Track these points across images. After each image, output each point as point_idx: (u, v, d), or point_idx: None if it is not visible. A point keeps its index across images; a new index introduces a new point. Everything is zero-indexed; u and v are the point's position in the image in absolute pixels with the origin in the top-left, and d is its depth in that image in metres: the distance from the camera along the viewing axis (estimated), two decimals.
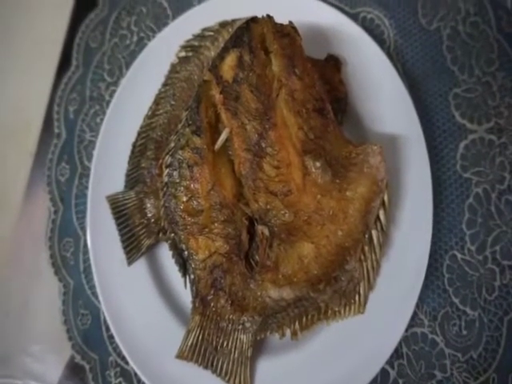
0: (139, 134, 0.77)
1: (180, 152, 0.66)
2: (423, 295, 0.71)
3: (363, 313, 0.66)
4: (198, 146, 0.65)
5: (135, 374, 0.77)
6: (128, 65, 0.87)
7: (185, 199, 0.66)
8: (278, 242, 0.64)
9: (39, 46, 0.95)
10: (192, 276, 0.68)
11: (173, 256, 0.70)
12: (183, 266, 0.69)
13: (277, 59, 0.64)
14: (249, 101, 0.63)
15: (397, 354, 0.71)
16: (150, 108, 0.77)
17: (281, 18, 0.67)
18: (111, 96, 0.86)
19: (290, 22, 0.67)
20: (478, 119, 0.75)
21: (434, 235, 0.69)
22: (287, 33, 0.66)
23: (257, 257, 0.66)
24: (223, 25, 0.74)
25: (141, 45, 0.88)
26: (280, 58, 0.64)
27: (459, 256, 0.72)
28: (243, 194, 0.66)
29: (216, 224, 0.66)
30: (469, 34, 0.78)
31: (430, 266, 0.69)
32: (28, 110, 0.92)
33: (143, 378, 0.71)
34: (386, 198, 0.64)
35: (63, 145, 0.88)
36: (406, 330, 0.69)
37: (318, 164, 0.62)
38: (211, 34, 0.74)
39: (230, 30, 0.72)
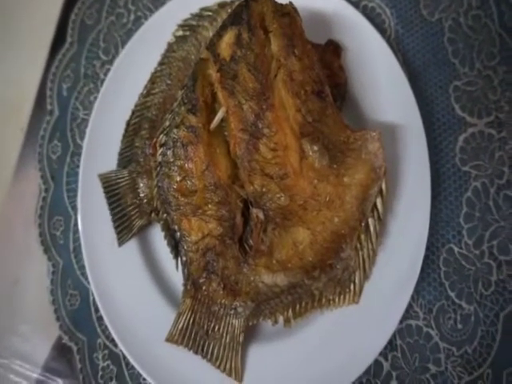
0: (133, 112, 0.74)
1: (175, 131, 0.63)
2: (419, 288, 0.69)
3: (358, 302, 0.63)
4: (193, 124, 0.62)
5: (124, 357, 0.74)
6: (124, 44, 0.83)
7: (178, 179, 0.63)
8: (272, 226, 0.62)
9: (34, 22, 0.91)
10: (184, 258, 0.65)
11: (165, 237, 0.66)
12: (175, 247, 0.66)
13: (276, 39, 0.61)
14: (246, 80, 0.60)
15: (391, 345, 0.68)
16: (146, 87, 0.74)
17: (282, 1, 0.63)
18: (106, 75, 0.82)
19: (291, 2, 0.63)
20: (478, 113, 0.73)
21: (431, 227, 0.66)
22: (287, 12, 0.62)
23: (251, 241, 0.63)
24: (222, 5, 0.71)
25: (137, 24, 0.84)
26: (279, 38, 0.61)
27: (456, 249, 0.70)
28: (238, 175, 0.63)
29: (210, 205, 0.63)
30: (470, 26, 0.75)
31: (426, 258, 0.67)
32: (21, 85, 0.89)
33: (132, 361, 0.67)
34: (383, 185, 0.61)
35: (55, 122, 0.84)
36: (401, 322, 0.68)
37: (315, 147, 0.59)
38: (210, 13, 0.71)
39: (229, 10, 0.68)
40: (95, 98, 0.81)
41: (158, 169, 0.65)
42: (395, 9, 0.78)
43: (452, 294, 0.69)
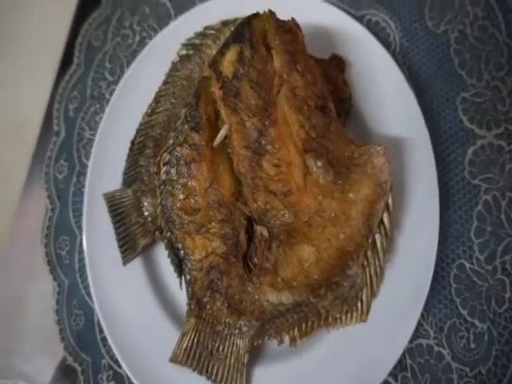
0: (138, 131, 0.72)
1: (178, 149, 0.61)
2: (429, 305, 0.66)
3: (365, 321, 0.60)
4: (197, 142, 0.60)
5: (128, 378, 0.72)
6: (129, 64, 0.80)
7: (182, 197, 0.62)
8: (277, 243, 0.59)
9: (42, 44, 0.90)
10: (188, 276, 0.63)
11: (169, 256, 0.64)
12: (179, 265, 0.64)
13: (278, 55, 0.59)
14: (249, 97, 0.58)
15: (400, 365, 0.65)
16: (150, 106, 0.72)
17: (284, 18, 0.61)
18: (111, 95, 0.80)
19: (293, 19, 0.61)
20: (487, 124, 0.70)
21: (440, 243, 0.64)
22: (289, 29, 0.61)
23: (255, 259, 0.61)
24: (225, 23, 0.70)
25: (143, 44, 0.83)
26: (281, 54, 0.59)
27: (467, 265, 0.67)
28: (242, 192, 0.61)
29: (213, 223, 0.61)
30: (477, 37, 0.73)
31: (436, 274, 0.64)
32: (28, 107, 0.88)
33: (136, 382, 0.65)
34: (390, 200, 0.58)
35: (62, 142, 0.83)
36: (411, 341, 0.64)
37: (319, 163, 0.58)
38: (213, 32, 0.70)
39: (232, 28, 0.67)
40: (101, 118, 0.79)
41: (162, 187, 0.63)
42: (400, 22, 0.76)
43: (464, 312, 0.65)
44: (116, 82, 0.83)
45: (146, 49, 0.77)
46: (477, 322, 0.64)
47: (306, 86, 0.59)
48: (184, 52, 0.71)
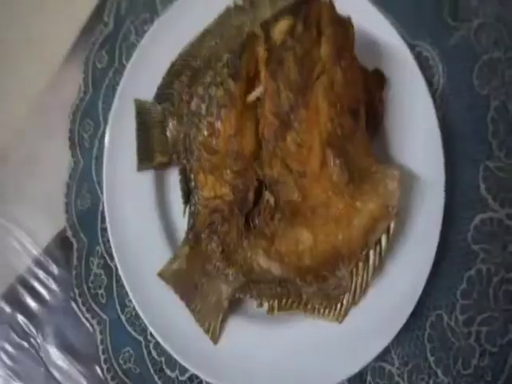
0: (180, 55, 0.74)
1: (213, 88, 0.65)
2: (401, 337, 0.67)
3: (340, 322, 0.64)
4: (232, 89, 0.64)
5: (116, 273, 0.77)
6: None
7: (206, 133, 0.65)
8: (279, 216, 0.63)
9: None
10: (192, 208, 0.68)
11: (180, 181, 0.69)
12: (187, 194, 0.69)
13: (327, 44, 0.61)
14: (290, 70, 0.61)
15: (361, 379, 0.69)
16: (196, 37, 0.74)
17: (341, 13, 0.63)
18: (162, 10, 0.83)
19: (349, 17, 0.63)
20: (502, 201, 0.70)
21: (427, 288, 0.65)
22: (343, 24, 0.63)
23: (257, 221, 0.65)
24: None
25: None
26: (330, 44, 0.61)
27: (445, 319, 0.69)
28: (260, 155, 0.64)
29: (228, 171, 0.65)
30: None
31: (415, 314, 0.65)
32: None
33: (123, 279, 0.71)
34: (392, 225, 0.61)
35: (108, 34, 0.86)
36: (376, 361, 0.68)
37: (337, 161, 0.60)
38: None
39: None
40: (149, 28, 0.80)
41: (190, 116, 0.67)
42: (448, 67, 0.74)
43: (431, 359, 0.68)
44: (169, 0, 0.82)
45: None
46: (439, 373, 0.68)
47: (345, 85, 0.61)
48: (241, 3, 0.73)
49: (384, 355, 0.68)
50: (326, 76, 0.61)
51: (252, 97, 0.64)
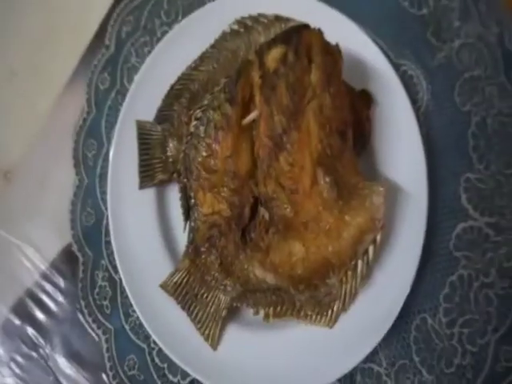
0: (179, 79, 0.78)
1: (211, 111, 0.68)
2: (388, 339, 0.71)
3: (331, 327, 0.67)
4: (228, 113, 0.67)
5: (120, 285, 0.81)
6: (184, 13, 0.87)
7: (204, 154, 0.69)
8: (274, 230, 0.67)
9: None
10: (192, 224, 0.71)
11: (180, 199, 0.72)
12: (187, 211, 0.72)
13: (317, 71, 0.65)
14: (282, 95, 0.65)
15: (351, 379, 0.73)
16: (195, 61, 0.77)
17: (330, 39, 0.67)
18: (162, 34, 0.86)
19: (337, 44, 0.67)
20: (482, 210, 0.74)
21: (412, 292, 0.69)
22: (332, 52, 0.67)
23: (252, 234, 0.69)
24: (278, 18, 0.73)
25: (200, 2, 0.87)
26: (320, 72, 0.65)
27: (429, 321, 0.73)
28: (255, 174, 0.68)
29: (225, 189, 0.68)
30: (495, 130, 0.76)
31: (401, 317, 0.69)
32: (90, 11, 0.93)
33: (127, 291, 0.74)
34: (378, 237, 0.64)
35: (109, 57, 0.89)
36: (365, 362, 0.71)
37: (327, 179, 0.64)
38: (265, 21, 0.74)
39: (283, 25, 0.72)
40: (148, 51, 0.86)
41: (189, 138, 0.71)
42: (432, 85, 0.79)
43: (416, 359, 0.72)
44: (168, 24, 0.88)
45: (201, 9, 0.82)
46: (424, 372, 0.71)
47: (333, 109, 0.66)
48: (236, 27, 0.76)
49: (372, 356, 0.72)
50: (316, 101, 0.65)
51: (247, 120, 0.68)
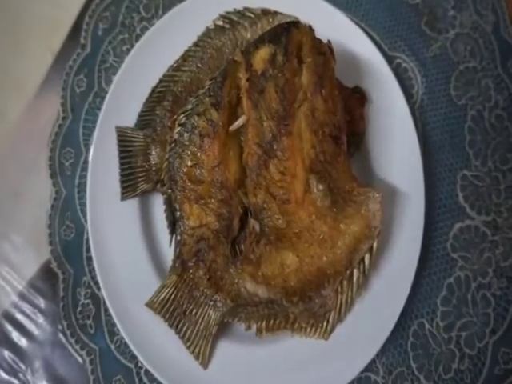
0: (161, 81, 0.75)
1: (196, 117, 0.66)
2: (385, 347, 0.71)
3: (327, 339, 0.66)
4: (214, 119, 0.65)
5: (103, 302, 0.77)
6: (165, 8, 0.84)
7: (189, 163, 0.66)
8: (265, 241, 0.65)
9: None
10: (179, 238, 0.68)
11: (165, 211, 0.70)
12: (172, 223, 0.69)
13: (308, 73, 0.63)
14: (272, 99, 0.63)
15: None
16: (177, 61, 0.75)
17: (321, 34, 0.65)
18: (142, 31, 0.84)
19: (329, 42, 0.65)
20: (479, 209, 0.75)
21: (409, 297, 0.68)
22: (323, 52, 0.64)
23: (242, 246, 0.67)
24: (265, 12, 0.71)
25: None
26: (311, 73, 0.63)
27: (427, 326, 0.73)
28: (245, 183, 0.66)
29: (213, 200, 0.66)
30: (492, 124, 0.76)
31: (398, 324, 0.69)
32: (62, 8, 0.88)
33: (109, 308, 0.72)
34: (374, 244, 0.63)
35: (85, 57, 0.86)
36: (362, 372, 0.69)
37: (320, 187, 0.62)
38: (251, 16, 0.71)
39: (271, 20, 0.69)
40: (127, 49, 0.82)
41: (173, 145, 0.68)
42: (426, 78, 0.78)
43: (413, 365, 0.72)
44: (148, 20, 0.84)
45: (184, 3, 0.78)
46: (422, 379, 0.72)
47: (326, 113, 0.64)
48: (220, 23, 0.73)
49: (369, 365, 0.71)
50: (308, 104, 0.63)
51: (235, 127, 0.66)
